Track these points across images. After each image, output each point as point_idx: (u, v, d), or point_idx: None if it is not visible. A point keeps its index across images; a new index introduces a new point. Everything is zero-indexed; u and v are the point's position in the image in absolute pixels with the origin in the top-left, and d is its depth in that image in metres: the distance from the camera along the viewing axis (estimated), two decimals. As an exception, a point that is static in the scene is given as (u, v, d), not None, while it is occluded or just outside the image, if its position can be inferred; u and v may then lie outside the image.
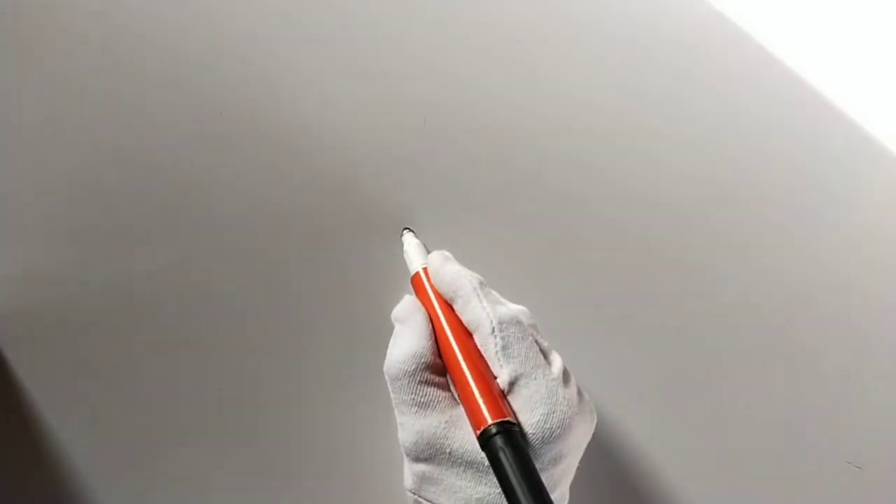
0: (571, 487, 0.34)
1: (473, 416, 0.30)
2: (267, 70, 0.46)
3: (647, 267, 0.46)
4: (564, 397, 0.32)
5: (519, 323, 0.34)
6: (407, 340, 0.34)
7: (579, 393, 0.34)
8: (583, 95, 0.49)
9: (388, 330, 0.36)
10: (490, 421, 0.30)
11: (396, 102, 0.47)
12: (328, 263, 0.43)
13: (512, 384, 0.32)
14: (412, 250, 0.40)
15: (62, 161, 0.43)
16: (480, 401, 0.30)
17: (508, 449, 0.29)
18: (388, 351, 0.35)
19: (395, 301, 0.38)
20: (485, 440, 0.29)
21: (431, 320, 0.35)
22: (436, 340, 0.34)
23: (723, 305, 0.46)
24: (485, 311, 0.33)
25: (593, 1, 0.52)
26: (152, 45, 0.45)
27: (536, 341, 0.34)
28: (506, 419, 0.30)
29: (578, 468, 0.34)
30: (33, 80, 0.44)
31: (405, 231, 0.43)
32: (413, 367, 0.33)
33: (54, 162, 0.43)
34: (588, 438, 0.34)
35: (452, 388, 0.34)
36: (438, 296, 0.36)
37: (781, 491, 0.43)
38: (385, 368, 0.34)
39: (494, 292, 0.36)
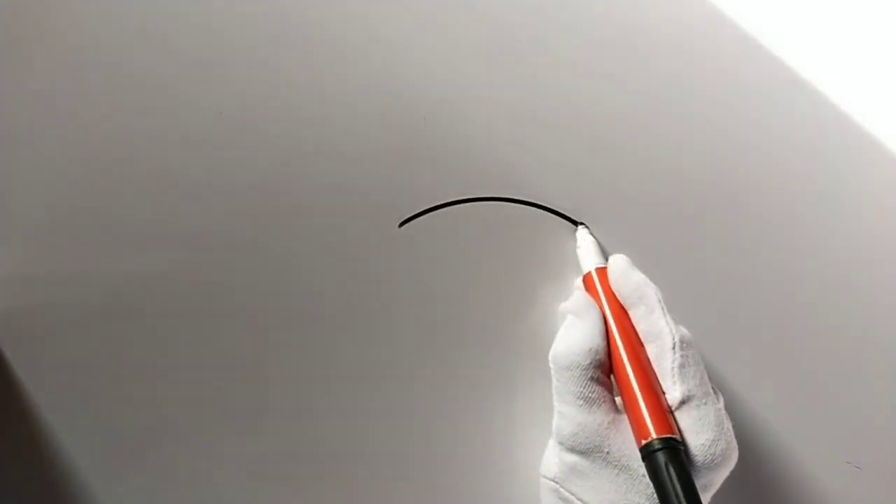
0: None
1: (638, 425, 0.31)
2: (267, 70, 0.46)
3: (645, 266, 0.46)
4: (730, 429, 0.32)
5: (695, 346, 0.34)
6: (583, 334, 0.34)
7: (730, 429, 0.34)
8: (582, 94, 0.49)
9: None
10: (656, 435, 0.30)
11: (396, 101, 0.47)
12: (327, 262, 0.43)
13: (683, 402, 0.32)
14: (588, 247, 0.40)
15: (62, 161, 0.43)
16: (647, 412, 0.31)
17: (674, 466, 0.29)
18: (560, 339, 0.35)
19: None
20: (648, 453, 0.30)
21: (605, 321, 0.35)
22: (608, 341, 0.34)
23: (721, 305, 0.46)
24: (668, 326, 0.34)
25: (593, 2, 0.52)
26: (152, 44, 0.45)
27: (705, 370, 0.34)
28: (672, 436, 0.30)
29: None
30: (33, 79, 0.44)
31: (580, 227, 0.43)
32: (588, 361, 0.33)
33: (54, 162, 0.43)
34: (726, 475, 0.34)
35: (615, 391, 0.34)
36: (612, 299, 0.36)
37: (781, 491, 0.43)
38: (553, 356, 0.35)
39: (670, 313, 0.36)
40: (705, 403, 0.32)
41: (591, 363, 0.33)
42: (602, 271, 0.38)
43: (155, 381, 0.40)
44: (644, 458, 0.30)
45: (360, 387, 0.41)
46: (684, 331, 0.34)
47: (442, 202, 0.45)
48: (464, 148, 0.47)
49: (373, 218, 0.45)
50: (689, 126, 0.50)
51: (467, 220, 0.45)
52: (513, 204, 0.46)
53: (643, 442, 0.30)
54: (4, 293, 0.40)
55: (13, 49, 0.44)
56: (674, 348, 0.33)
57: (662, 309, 0.35)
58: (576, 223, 0.42)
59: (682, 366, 0.33)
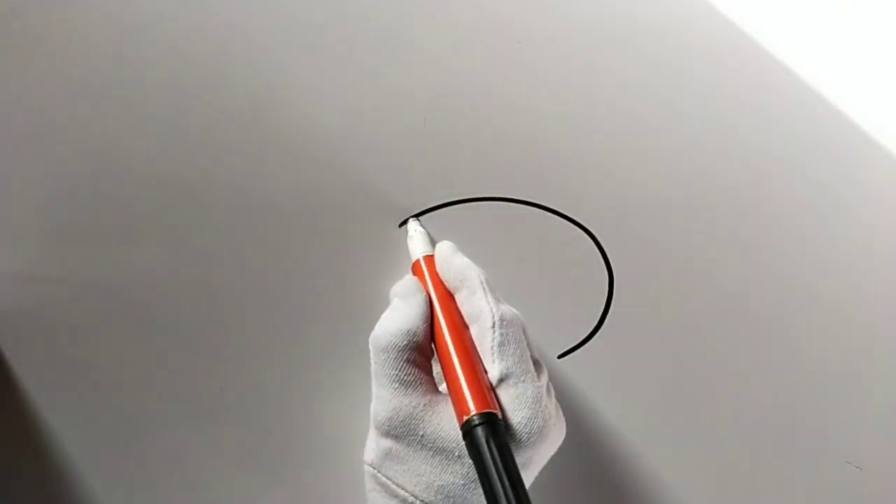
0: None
1: (459, 403, 0.31)
2: (266, 70, 0.46)
3: (646, 266, 0.46)
4: (547, 406, 0.32)
5: (518, 324, 0.34)
6: (403, 316, 0.34)
7: (556, 406, 0.34)
8: (582, 95, 0.49)
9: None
10: (476, 410, 0.30)
11: (396, 102, 0.47)
12: (326, 261, 0.43)
13: (501, 380, 0.32)
14: (417, 237, 0.40)
15: (62, 161, 0.43)
16: (468, 390, 0.31)
17: (494, 440, 0.29)
18: (381, 322, 0.35)
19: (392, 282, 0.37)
20: (468, 428, 0.30)
21: (430, 304, 0.35)
22: (431, 325, 0.35)
23: (721, 305, 0.46)
24: (488, 305, 0.34)
25: (593, 2, 0.52)
26: (151, 45, 0.45)
27: (529, 346, 0.34)
28: (492, 411, 0.30)
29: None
30: (33, 80, 0.44)
31: (411, 219, 0.43)
32: (404, 342, 0.33)
33: (54, 162, 0.43)
34: (554, 451, 0.34)
35: (437, 373, 0.34)
36: (438, 284, 0.37)
37: (781, 491, 0.43)
38: (372, 338, 0.34)
39: (496, 291, 0.36)
40: (523, 381, 0.32)
41: (407, 344, 0.33)
42: (430, 258, 0.38)
43: (154, 381, 0.40)
44: (465, 436, 0.30)
45: (357, 385, 0.41)
46: (507, 309, 0.34)
47: (442, 202, 0.45)
48: (464, 148, 0.47)
49: (372, 218, 0.45)
50: (688, 126, 0.50)
51: (468, 220, 0.45)
52: (513, 204, 0.46)
53: (464, 419, 0.30)
54: (4, 293, 0.40)
55: (13, 50, 0.44)
56: (493, 327, 0.33)
57: (484, 290, 0.35)
58: (407, 219, 0.43)
59: (500, 344, 0.33)
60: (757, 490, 0.43)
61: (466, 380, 0.31)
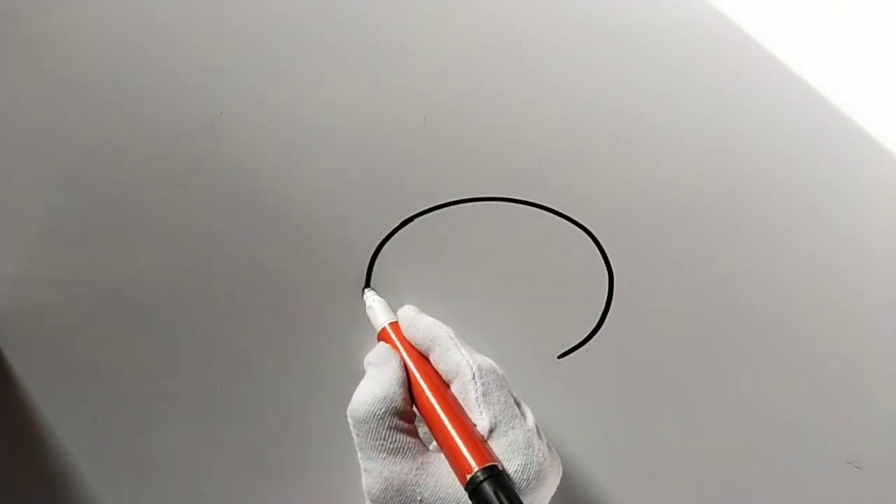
0: None
1: (457, 461, 0.30)
2: (266, 70, 0.46)
3: (646, 266, 0.46)
4: (540, 448, 0.32)
5: (496, 371, 0.34)
6: (378, 384, 0.34)
7: (548, 445, 0.34)
8: (582, 95, 0.49)
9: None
10: (477, 466, 0.30)
11: (396, 102, 0.47)
12: (324, 258, 0.43)
13: (492, 430, 0.32)
14: (377, 307, 0.40)
15: (62, 162, 0.43)
16: (465, 446, 0.30)
17: (503, 493, 0.29)
18: (356, 393, 0.34)
19: (398, 302, 0.38)
20: (475, 486, 0.29)
21: (405, 369, 0.35)
22: (408, 388, 0.34)
23: (721, 305, 0.46)
24: (464, 359, 0.34)
25: (593, 1, 0.52)
26: (151, 46, 0.45)
27: (510, 391, 0.34)
28: (493, 464, 0.30)
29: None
30: (33, 81, 0.44)
31: (366, 290, 0.43)
32: (382, 410, 0.33)
33: (54, 163, 0.43)
34: (553, 492, 0.34)
35: (422, 435, 0.34)
36: (409, 348, 0.36)
37: (781, 491, 0.43)
38: (350, 410, 0.34)
39: (467, 344, 0.36)
40: (513, 427, 0.32)
41: (386, 411, 0.33)
42: (395, 325, 0.38)
43: (154, 381, 0.40)
44: (471, 495, 0.30)
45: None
46: (482, 359, 0.34)
47: (442, 202, 0.45)
48: (464, 148, 0.47)
49: (373, 217, 0.45)
50: (688, 127, 0.50)
51: (468, 220, 0.45)
52: (513, 204, 0.46)
53: (467, 477, 0.30)
54: (4, 293, 0.40)
55: (13, 51, 0.44)
56: (473, 378, 0.33)
57: (456, 344, 0.35)
58: (362, 288, 0.43)
59: (484, 394, 0.33)
60: (757, 490, 0.43)
61: (460, 436, 0.31)
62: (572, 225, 0.46)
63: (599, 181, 0.48)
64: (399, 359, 0.36)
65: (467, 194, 0.46)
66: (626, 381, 0.44)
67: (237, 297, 0.42)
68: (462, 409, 0.33)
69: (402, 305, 0.38)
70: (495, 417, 0.32)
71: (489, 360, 0.35)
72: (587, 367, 0.43)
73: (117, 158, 0.43)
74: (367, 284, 0.43)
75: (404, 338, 0.37)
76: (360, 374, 0.36)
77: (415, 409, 0.35)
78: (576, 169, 0.48)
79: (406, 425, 0.33)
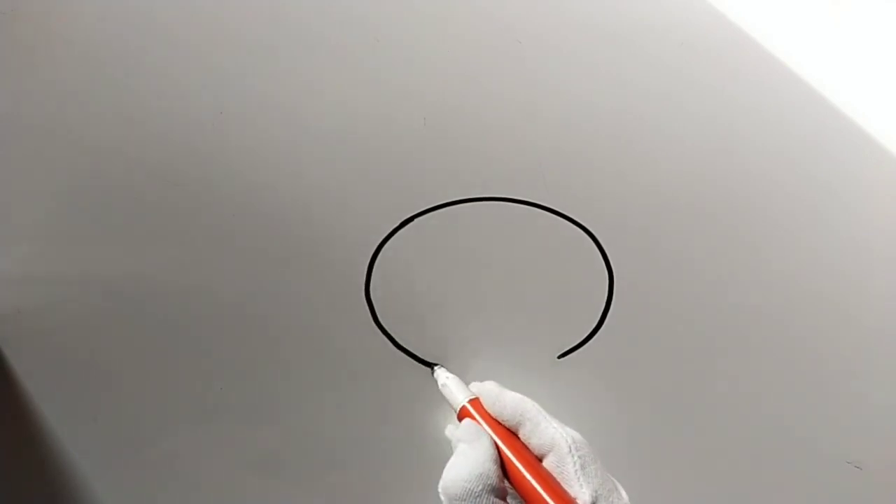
0: None
1: None
2: (267, 70, 0.46)
3: (646, 266, 0.46)
4: None
5: (588, 444, 0.34)
6: (472, 461, 0.34)
7: None
8: (582, 95, 0.49)
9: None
10: None
11: (396, 102, 0.47)
12: (324, 257, 0.43)
13: (594, 502, 0.32)
14: (452, 384, 0.40)
15: (62, 162, 0.43)
16: None
17: None
18: (448, 469, 0.34)
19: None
20: None
21: (495, 445, 0.35)
22: (501, 465, 0.35)
23: (721, 305, 0.46)
24: (558, 432, 0.34)
25: (593, 2, 0.52)
26: (151, 47, 0.45)
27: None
28: None
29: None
30: (33, 81, 0.44)
31: (436, 368, 0.42)
32: (479, 487, 0.33)
33: (54, 163, 0.43)
34: None
35: None
36: (494, 423, 0.36)
37: (781, 491, 0.43)
38: (443, 487, 0.34)
39: (553, 417, 0.36)
40: (612, 502, 0.32)
41: (483, 489, 0.33)
42: (474, 402, 0.38)
43: (154, 380, 0.40)
44: None
45: (357, 384, 0.41)
46: (574, 433, 0.35)
47: (442, 202, 0.45)
48: (464, 148, 0.47)
49: (373, 217, 0.45)
50: (688, 127, 0.50)
51: (468, 220, 0.45)
52: (513, 204, 0.46)
53: None
54: (4, 293, 0.41)
55: (13, 51, 0.44)
56: (570, 452, 0.33)
57: (546, 418, 0.35)
58: (431, 365, 0.42)
59: (583, 466, 0.33)
60: (757, 490, 0.43)
61: None
62: (572, 225, 0.46)
63: (599, 181, 0.48)
64: (488, 436, 0.36)
65: (467, 194, 0.46)
66: (626, 381, 0.44)
67: (237, 296, 0.42)
68: (559, 483, 0.33)
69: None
70: (595, 491, 0.32)
71: (580, 435, 0.35)
72: (587, 367, 0.43)
73: (117, 158, 0.43)
74: (430, 364, 0.42)
75: (487, 414, 0.37)
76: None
77: (507, 485, 0.35)
78: (576, 169, 0.48)
79: (501, 503, 0.33)
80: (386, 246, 0.44)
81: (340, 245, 0.44)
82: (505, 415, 0.36)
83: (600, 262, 0.46)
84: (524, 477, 0.33)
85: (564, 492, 0.33)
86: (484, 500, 0.33)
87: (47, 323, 0.40)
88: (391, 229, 0.44)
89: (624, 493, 0.34)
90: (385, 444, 0.41)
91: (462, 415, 0.38)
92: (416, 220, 0.45)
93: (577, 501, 0.32)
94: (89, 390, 0.39)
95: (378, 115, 0.46)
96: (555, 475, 0.34)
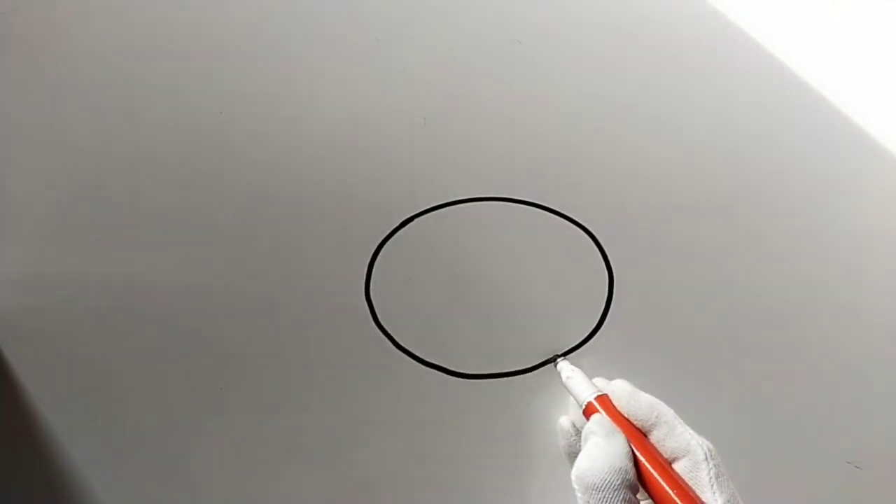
0: None
1: None
2: (267, 70, 0.46)
3: (646, 266, 0.46)
4: None
5: (717, 453, 0.35)
6: (612, 454, 0.34)
7: None
8: (582, 95, 0.49)
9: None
10: None
11: (396, 101, 0.47)
12: (327, 260, 0.43)
13: None
14: (577, 377, 0.40)
15: (62, 162, 0.43)
16: None
17: None
18: (586, 459, 0.34)
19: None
20: None
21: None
22: (636, 463, 0.35)
23: (721, 305, 0.46)
24: (694, 439, 0.34)
25: (593, 2, 0.52)
26: (152, 47, 0.45)
27: None
28: None
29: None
30: (33, 81, 0.44)
31: (560, 359, 0.42)
32: (618, 481, 0.33)
33: (54, 163, 0.43)
34: None
35: None
36: (625, 421, 0.36)
37: (781, 491, 0.43)
38: (580, 475, 0.34)
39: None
40: None
41: (621, 483, 0.33)
42: (602, 399, 0.38)
43: (154, 380, 0.40)
44: None
45: (358, 384, 0.41)
46: (708, 441, 0.35)
47: (442, 202, 0.45)
48: (464, 148, 0.47)
49: (373, 217, 0.45)
50: (689, 127, 0.50)
51: (468, 220, 0.45)
52: (513, 204, 0.46)
53: None
54: (4, 293, 0.40)
55: (14, 51, 0.44)
56: (706, 459, 0.34)
57: (682, 423, 0.35)
58: (553, 358, 0.42)
59: (717, 475, 0.34)
60: (757, 490, 0.43)
61: None
62: (572, 225, 0.46)
63: (599, 181, 0.48)
64: (623, 434, 0.36)
65: (467, 194, 0.46)
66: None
67: (237, 297, 0.42)
68: (692, 488, 0.34)
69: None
70: (728, 500, 0.33)
71: (711, 443, 0.35)
72: (587, 367, 0.43)
73: (117, 158, 0.43)
74: (553, 357, 0.42)
75: (616, 411, 0.37)
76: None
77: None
78: (576, 169, 0.48)
79: (635, 500, 0.34)
80: (386, 246, 0.44)
81: (340, 245, 0.44)
82: (639, 415, 0.36)
83: (600, 262, 0.46)
84: (656, 478, 0.34)
85: (698, 497, 0.33)
86: (622, 495, 0.33)
87: (47, 323, 0.40)
88: (391, 229, 0.44)
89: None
90: (385, 444, 0.41)
91: (589, 411, 0.38)
92: (416, 220, 0.45)
93: None
94: (89, 390, 0.39)
95: (378, 115, 0.46)
96: (687, 480, 0.34)
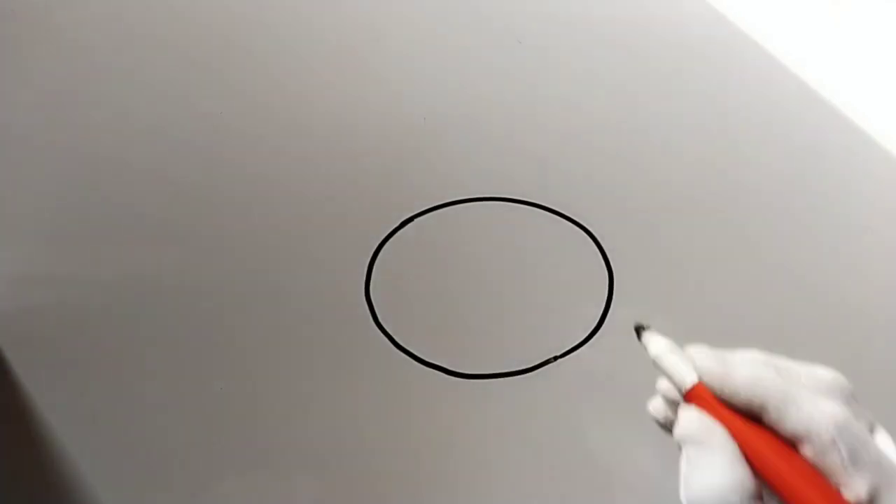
0: None
1: None
2: (266, 70, 0.46)
3: (646, 266, 0.46)
4: None
5: (851, 418, 0.28)
6: (720, 467, 0.28)
7: None
8: (582, 95, 0.49)
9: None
10: None
11: (396, 101, 0.47)
12: (327, 261, 0.43)
13: (871, 498, 0.28)
14: (672, 355, 0.31)
15: (62, 163, 0.43)
16: None
17: None
18: (691, 477, 0.28)
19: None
20: None
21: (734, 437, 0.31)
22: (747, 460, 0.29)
23: (721, 304, 0.46)
24: (815, 414, 0.27)
25: (593, 2, 0.52)
26: (151, 47, 0.45)
27: (868, 426, 0.29)
28: None
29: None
30: (33, 82, 0.44)
31: (644, 330, 0.34)
32: (736, 499, 0.27)
33: (54, 163, 0.43)
34: None
35: None
36: (725, 410, 0.31)
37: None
38: (692, 499, 0.28)
39: (792, 364, 0.29)
40: (893, 489, 0.28)
41: (741, 500, 0.27)
42: (694, 391, 0.32)
43: (154, 380, 0.40)
44: None
45: (358, 384, 0.41)
46: (836, 409, 0.28)
47: (442, 202, 0.45)
48: (464, 148, 0.47)
49: (373, 217, 0.45)
50: (689, 127, 0.50)
51: (468, 220, 0.45)
52: (513, 204, 0.46)
53: None
54: (4, 293, 0.40)
55: (14, 51, 0.44)
56: (833, 441, 0.27)
57: (795, 396, 0.28)
58: (639, 329, 0.33)
59: (852, 455, 0.28)
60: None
61: None
62: (572, 225, 0.46)
63: (599, 181, 0.48)
64: (722, 428, 0.29)
65: (467, 194, 0.46)
66: (626, 382, 0.44)
67: (237, 296, 0.42)
68: (823, 477, 0.30)
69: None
70: (873, 483, 0.28)
71: (838, 407, 0.28)
72: (587, 367, 0.43)
73: (117, 160, 0.43)
74: (638, 328, 0.32)
75: (714, 396, 0.30)
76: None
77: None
78: (576, 169, 0.48)
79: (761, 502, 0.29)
80: (386, 246, 0.44)
81: (340, 245, 0.44)
82: (739, 400, 0.29)
83: (600, 262, 0.46)
84: (778, 474, 0.28)
85: (833, 488, 0.27)
86: None
87: (47, 323, 0.40)
88: (391, 229, 0.44)
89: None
90: (385, 443, 0.41)
91: (690, 398, 0.31)
92: (416, 220, 0.45)
93: (849, 495, 0.28)
94: (89, 390, 0.39)
95: (378, 115, 0.46)
96: (818, 467, 0.28)
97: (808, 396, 0.27)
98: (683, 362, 0.30)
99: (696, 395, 0.30)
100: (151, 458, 0.39)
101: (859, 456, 0.26)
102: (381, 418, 0.41)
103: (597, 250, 0.46)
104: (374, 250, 0.44)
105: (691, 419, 0.29)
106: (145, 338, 0.41)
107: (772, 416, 0.29)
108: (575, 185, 0.47)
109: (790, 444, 0.28)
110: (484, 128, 0.47)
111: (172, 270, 0.42)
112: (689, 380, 0.30)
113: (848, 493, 0.27)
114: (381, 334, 0.43)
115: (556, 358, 0.42)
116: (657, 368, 0.32)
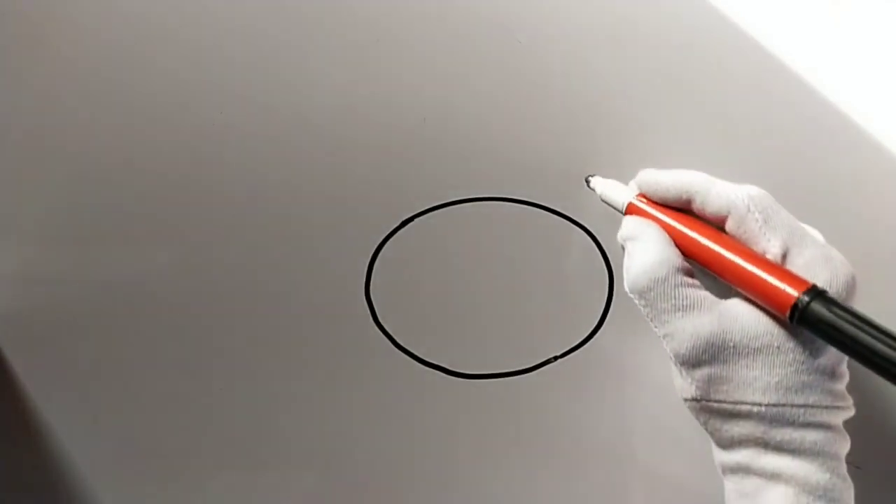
0: None
1: (769, 296, 0.29)
2: (265, 70, 0.46)
3: (647, 267, 0.46)
4: (839, 258, 0.31)
5: (768, 195, 0.33)
6: (648, 251, 0.33)
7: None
8: (582, 95, 0.49)
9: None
10: (796, 292, 0.28)
11: (396, 102, 0.47)
12: (324, 261, 0.43)
13: (784, 256, 0.31)
14: (610, 188, 0.39)
15: (62, 162, 0.43)
16: (773, 278, 0.29)
17: (836, 306, 0.28)
18: (629, 268, 0.33)
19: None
20: (803, 312, 0.28)
21: (666, 231, 0.34)
22: (677, 246, 0.33)
23: (723, 305, 0.46)
24: (732, 193, 0.32)
25: (593, 1, 0.52)
26: (151, 45, 0.45)
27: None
28: (812, 285, 0.28)
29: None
30: (33, 81, 0.44)
31: (590, 177, 0.41)
32: (664, 272, 0.32)
33: (54, 163, 0.43)
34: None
35: (713, 285, 0.33)
36: (664, 210, 0.35)
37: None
38: (629, 285, 0.33)
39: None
40: (806, 246, 0.31)
41: (668, 272, 0.32)
42: (639, 197, 0.36)
43: (154, 380, 0.40)
44: (800, 321, 0.28)
45: (360, 386, 0.41)
46: (751, 188, 0.33)
47: (442, 202, 0.45)
48: (464, 148, 0.47)
49: (373, 217, 0.45)
50: (688, 126, 0.50)
51: (468, 220, 0.45)
52: (513, 204, 0.46)
53: (790, 306, 0.28)
54: (4, 293, 0.40)
55: (14, 50, 0.44)
56: (749, 209, 0.32)
57: (717, 182, 0.33)
58: (554, 359, 0.42)
59: (766, 220, 0.31)
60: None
61: (761, 269, 0.30)
62: (572, 225, 0.46)
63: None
64: (655, 223, 0.34)
65: (467, 194, 0.46)
66: (626, 382, 0.44)
67: (237, 297, 0.42)
68: (746, 245, 0.32)
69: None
70: (784, 241, 0.31)
71: (757, 188, 0.33)
72: (587, 367, 0.43)
73: (117, 158, 0.43)
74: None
75: (653, 203, 0.35)
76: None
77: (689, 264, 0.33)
78: (576, 168, 0.48)
79: (691, 280, 0.32)
80: (386, 246, 0.44)
81: (340, 245, 0.44)
82: (670, 196, 0.35)
83: (600, 262, 0.46)
84: (709, 249, 0.32)
85: (751, 250, 0.31)
86: (673, 281, 0.31)
87: (47, 323, 0.40)
88: (391, 229, 0.44)
89: (818, 235, 0.32)
90: (384, 444, 0.41)
91: (631, 212, 0.36)
92: (416, 220, 0.45)
93: (768, 256, 0.31)
94: (90, 390, 0.39)
95: (378, 115, 0.46)
96: (740, 238, 0.32)
97: (727, 183, 0.32)
98: (623, 190, 0.37)
99: (633, 208, 0.36)
100: (151, 458, 0.39)
101: (771, 219, 0.31)
102: (380, 418, 0.41)
103: (597, 250, 0.46)
104: (374, 250, 0.44)
105: (627, 223, 0.35)
106: (145, 338, 0.41)
107: (698, 203, 0.33)
108: (575, 184, 0.47)
109: (717, 226, 0.32)
110: (484, 128, 0.47)
111: (172, 270, 0.42)
112: (624, 198, 0.37)
113: (767, 252, 0.30)
114: (381, 334, 0.43)
115: (556, 358, 0.42)
116: (605, 203, 0.38)
